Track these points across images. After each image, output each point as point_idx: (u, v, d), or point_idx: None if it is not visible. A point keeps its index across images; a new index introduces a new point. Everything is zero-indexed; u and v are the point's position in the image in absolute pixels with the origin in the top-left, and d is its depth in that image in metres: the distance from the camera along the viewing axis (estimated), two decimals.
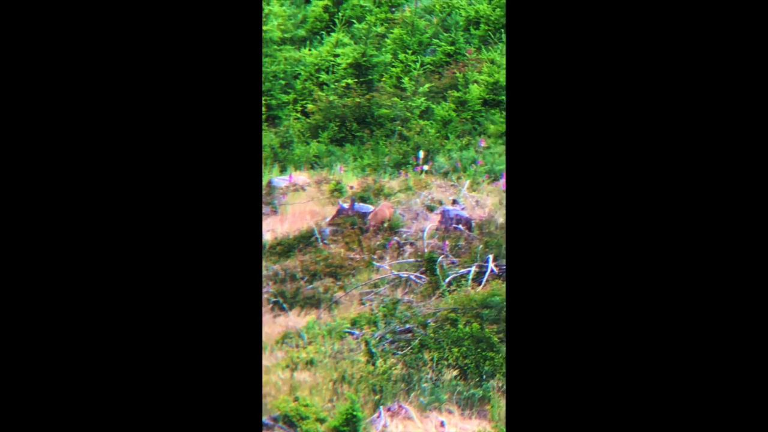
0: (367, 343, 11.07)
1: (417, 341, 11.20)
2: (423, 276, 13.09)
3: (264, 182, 17.17)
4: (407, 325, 11.55)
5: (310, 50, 24.26)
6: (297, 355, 11.05)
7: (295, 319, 12.44)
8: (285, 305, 12.82)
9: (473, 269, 12.97)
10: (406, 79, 22.56)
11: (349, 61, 22.84)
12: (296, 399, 10.08)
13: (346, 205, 15.32)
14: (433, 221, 14.79)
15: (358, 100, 21.38)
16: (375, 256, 13.95)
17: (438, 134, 20.58)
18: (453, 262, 13.33)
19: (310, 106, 22.04)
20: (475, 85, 21.94)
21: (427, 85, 22.39)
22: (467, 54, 23.61)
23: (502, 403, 10.29)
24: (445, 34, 24.31)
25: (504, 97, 20.80)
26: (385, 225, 14.76)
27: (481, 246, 13.44)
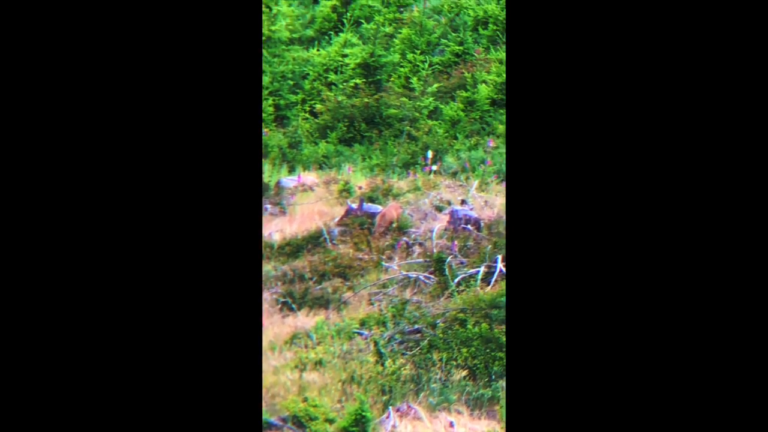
0: (376, 343, 11.07)
1: (426, 341, 11.19)
2: (432, 276, 13.08)
3: (273, 182, 17.17)
4: (416, 326, 11.54)
5: (318, 50, 24.26)
6: (306, 356, 11.05)
7: (304, 320, 12.43)
8: (294, 305, 12.81)
9: (482, 269, 12.96)
10: (414, 79, 22.55)
11: (357, 61, 22.83)
12: (305, 399, 10.08)
13: (354, 206, 15.31)
14: (441, 221, 14.78)
15: (366, 100, 21.37)
16: (384, 257, 13.95)
17: (446, 134, 20.56)
18: (462, 263, 13.32)
19: (318, 106, 22.03)
20: (484, 85, 21.93)
21: (435, 85, 22.38)
22: (476, 54, 23.59)
23: None
24: (454, 34, 24.30)
25: None
26: (393, 225, 14.75)
27: (489, 246, 13.42)
